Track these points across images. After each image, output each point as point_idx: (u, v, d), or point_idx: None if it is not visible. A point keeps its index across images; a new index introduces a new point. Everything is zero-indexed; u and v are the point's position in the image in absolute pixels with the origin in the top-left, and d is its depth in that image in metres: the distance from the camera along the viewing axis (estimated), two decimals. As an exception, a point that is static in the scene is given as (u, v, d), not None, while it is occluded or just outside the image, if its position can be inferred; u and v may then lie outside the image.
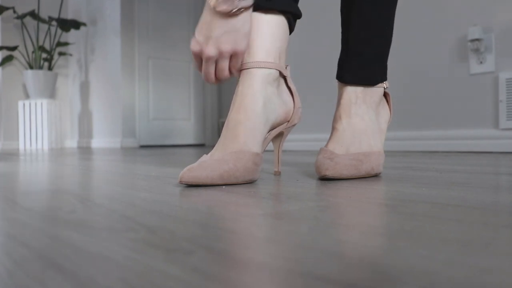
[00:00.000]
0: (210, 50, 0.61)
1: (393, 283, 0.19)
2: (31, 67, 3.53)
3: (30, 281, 0.21)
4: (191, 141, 3.94)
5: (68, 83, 4.17)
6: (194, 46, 0.63)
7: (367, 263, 0.23)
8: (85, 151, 2.58)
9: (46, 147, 3.54)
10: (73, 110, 4.14)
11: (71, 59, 4.14)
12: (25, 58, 3.57)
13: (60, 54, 3.69)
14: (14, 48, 3.47)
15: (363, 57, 0.72)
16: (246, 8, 0.61)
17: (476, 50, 1.61)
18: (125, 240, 0.29)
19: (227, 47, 0.62)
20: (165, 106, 3.77)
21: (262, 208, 0.41)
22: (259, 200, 0.46)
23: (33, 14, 3.50)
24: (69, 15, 4.10)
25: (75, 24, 3.61)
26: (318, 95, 2.21)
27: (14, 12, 3.50)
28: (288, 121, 0.70)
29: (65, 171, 0.94)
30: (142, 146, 3.59)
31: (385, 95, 0.77)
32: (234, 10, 0.60)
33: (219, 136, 4.03)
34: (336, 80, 0.75)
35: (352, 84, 0.72)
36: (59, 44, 3.62)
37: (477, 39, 1.59)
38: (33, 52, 3.56)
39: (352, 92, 0.72)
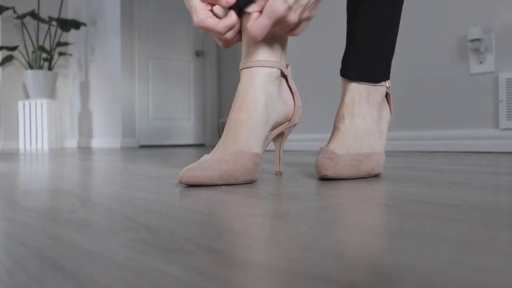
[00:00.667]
0: (295, 16, 0.61)
1: (393, 283, 0.19)
2: (31, 67, 3.53)
3: (30, 281, 0.21)
4: (191, 141, 3.95)
5: (68, 83, 4.17)
6: (284, 10, 0.60)
7: (367, 263, 0.23)
8: (85, 151, 2.58)
9: (46, 147, 3.54)
10: (73, 110, 4.14)
11: (71, 59, 4.14)
12: (25, 58, 3.57)
13: (60, 54, 3.69)
14: (14, 48, 3.47)
15: (368, 54, 0.72)
16: None
17: (476, 50, 1.61)
18: (125, 240, 0.29)
19: (307, 14, 0.62)
20: (165, 106, 3.77)
21: (262, 208, 0.41)
22: (259, 200, 0.46)
23: (33, 14, 3.51)
24: (69, 15, 4.10)
25: (75, 24, 3.61)
26: (318, 95, 2.21)
27: (14, 12, 3.50)
28: (289, 121, 0.70)
29: (65, 171, 0.94)
30: (142, 146, 3.59)
31: (386, 95, 0.77)
32: None
33: (219, 136, 4.03)
34: (340, 78, 0.75)
35: (357, 80, 0.72)
36: (59, 44, 3.62)
37: (477, 39, 1.59)
38: (33, 52, 3.56)
39: (356, 90, 0.72)
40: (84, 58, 3.96)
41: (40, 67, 3.54)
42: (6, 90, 3.70)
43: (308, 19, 0.63)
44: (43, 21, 3.59)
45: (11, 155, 2.01)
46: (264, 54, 0.66)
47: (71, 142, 4.16)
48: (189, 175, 0.57)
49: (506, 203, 0.41)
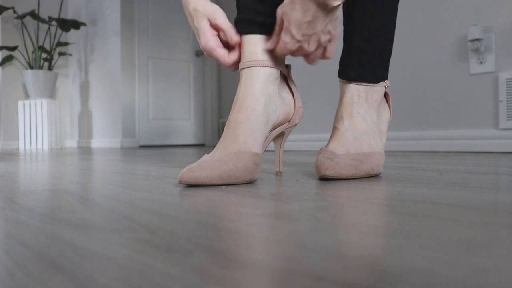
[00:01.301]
0: (312, 46, 0.63)
1: (393, 283, 0.19)
2: (31, 67, 3.53)
3: (30, 281, 0.21)
4: (191, 141, 3.95)
5: (68, 83, 4.17)
6: (293, 45, 0.62)
7: (367, 263, 0.23)
8: (85, 151, 2.58)
9: (46, 147, 3.54)
10: (73, 110, 4.14)
11: (71, 59, 4.14)
12: (25, 58, 3.57)
13: (60, 54, 3.69)
14: (14, 48, 3.47)
15: (366, 55, 0.72)
16: None
17: (476, 50, 1.61)
18: (125, 240, 0.29)
19: (326, 37, 0.63)
20: (165, 106, 3.77)
21: (262, 208, 0.41)
22: (259, 200, 0.46)
23: (33, 14, 3.51)
24: (69, 15, 4.10)
25: (75, 24, 3.61)
26: (318, 95, 2.21)
27: (14, 12, 3.50)
28: (289, 121, 0.70)
29: (65, 171, 0.94)
30: (142, 146, 3.59)
31: (385, 95, 0.77)
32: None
33: (219, 136, 4.03)
34: (338, 79, 0.75)
35: (355, 81, 0.72)
36: (59, 44, 3.62)
37: (477, 39, 1.59)
38: (33, 52, 3.56)
39: (355, 91, 0.72)
40: (84, 58, 3.96)
41: (40, 67, 3.54)
42: (6, 90, 3.70)
43: (331, 40, 0.65)
44: (43, 21, 3.59)
45: (11, 155, 2.01)
46: (263, 54, 0.66)
47: (71, 142, 4.16)
48: (189, 175, 0.57)
49: (506, 203, 0.41)
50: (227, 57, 0.68)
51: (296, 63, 2.31)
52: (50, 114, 3.55)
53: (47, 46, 3.79)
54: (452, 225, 0.31)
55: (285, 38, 0.62)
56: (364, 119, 0.71)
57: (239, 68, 0.67)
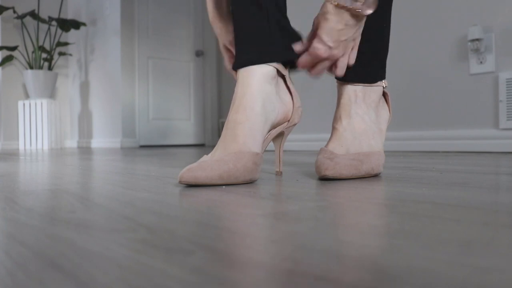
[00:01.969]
0: (340, 52, 0.65)
1: (393, 283, 0.19)
2: (31, 67, 3.53)
3: (30, 281, 0.21)
4: (191, 141, 3.95)
5: (68, 83, 4.17)
6: (325, 52, 0.64)
7: (367, 263, 0.23)
8: (85, 151, 2.58)
9: (46, 147, 3.54)
10: (73, 110, 4.14)
11: (71, 59, 4.14)
12: (25, 58, 3.57)
13: (60, 54, 3.69)
14: (14, 48, 3.47)
15: (362, 55, 0.73)
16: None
17: (476, 50, 1.61)
18: (125, 240, 0.29)
19: (351, 44, 0.66)
20: (165, 106, 3.77)
21: (262, 208, 0.41)
22: (259, 200, 0.46)
23: (33, 14, 3.51)
24: (69, 15, 4.10)
25: (75, 24, 3.61)
26: (318, 95, 2.21)
27: (14, 12, 3.50)
28: (288, 121, 0.70)
29: (65, 171, 0.94)
30: (142, 146, 3.59)
31: (384, 94, 0.77)
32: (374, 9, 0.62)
33: (219, 136, 4.03)
34: (336, 80, 0.75)
35: (352, 82, 0.72)
36: (59, 44, 3.62)
37: (477, 39, 1.59)
38: (33, 52, 3.56)
39: (352, 91, 0.72)
40: (84, 58, 3.96)
41: (40, 67, 3.54)
42: (6, 90, 3.70)
43: (353, 48, 0.68)
44: (43, 21, 3.59)
45: (11, 155, 2.01)
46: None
47: (71, 142, 4.16)
48: (189, 175, 0.57)
49: (506, 203, 0.41)
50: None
51: (296, 63, 2.31)
52: (50, 114, 3.55)
53: (47, 46, 3.79)
54: (452, 225, 0.31)
55: (317, 45, 0.64)
56: (363, 119, 0.71)
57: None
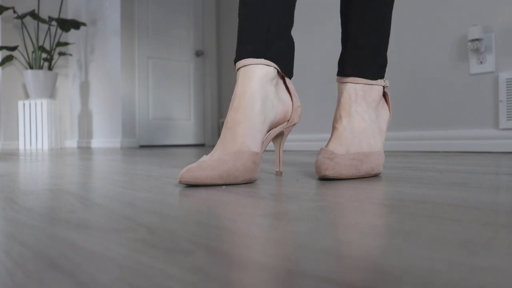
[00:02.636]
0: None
1: (393, 283, 0.19)
2: (31, 67, 3.53)
3: (30, 281, 0.21)
4: (191, 141, 3.94)
5: (68, 83, 4.17)
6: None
7: (367, 263, 0.23)
8: (85, 151, 2.58)
9: (46, 147, 3.54)
10: (73, 110, 4.14)
11: (71, 59, 4.14)
12: (25, 58, 3.57)
13: (60, 54, 3.69)
14: (14, 48, 3.47)
15: (362, 50, 0.73)
16: None
17: (476, 50, 1.61)
18: (125, 240, 0.29)
19: None
20: (165, 106, 3.77)
21: (262, 208, 0.41)
22: (259, 200, 0.46)
23: (33, 14, 3.51)
24: (69, 15, 4.10)
25: (75, 24, 3.61)
26: (318, 95, 2.21)
27: (14, 12, 3.50)
28: (288, 121, 0.70)
29: (65, 171, 0.94)
30: (142, 146, 3.59)
31: (384, 94, 0.77)
32: None
33: (219, 136, 4.03)
34: (336, 81, 0.76)
35: (352, 76, 0.73)
36: (59, 44, 3.62)
37: (477, 39, 1.59)
38: (33, 52, 3.56)
39: (352, 90, 0.72)
40: (84, 58, 3.96)
41: (40, 67, 3.54)
42: (6, 90, 3.70)
43: None
44: (43, 21, 3.59)
45: (11, 155, 2.01)
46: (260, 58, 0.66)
47: (71, 142, 4.16)
48: (189, 175, 0.57)
49: (506, 203, 0.41)
50: None
51: (296, 63, 2.31)
52: (50, 114, 3.55)
53: (47, 46, 3.79)
54: (452, 225, 0.31)
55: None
56: (363, 118, 0.71)
57: (236, 68, 0.67)
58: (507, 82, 1.54)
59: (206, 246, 0.27)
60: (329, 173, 0.63)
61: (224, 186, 0.58)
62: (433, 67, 1.76)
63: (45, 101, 3.51)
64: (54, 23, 3.76)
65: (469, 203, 0.41)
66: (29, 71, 3.46)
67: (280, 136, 0.72)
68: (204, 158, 0.62)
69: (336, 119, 0.72)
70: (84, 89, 3.96)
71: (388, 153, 1.57)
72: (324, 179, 0.65)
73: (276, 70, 0.67)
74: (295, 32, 2.30)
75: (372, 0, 0.73)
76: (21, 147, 3.59)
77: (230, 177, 0.59)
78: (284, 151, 2.12)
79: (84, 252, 0.26)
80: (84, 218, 0.37)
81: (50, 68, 3.61)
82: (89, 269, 0.22)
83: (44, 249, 0.27)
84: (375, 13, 0.74)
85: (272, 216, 0.36)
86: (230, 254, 0.25)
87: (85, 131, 3.97)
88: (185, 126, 3.91)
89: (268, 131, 0.68)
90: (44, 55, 3.82)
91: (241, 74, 0.66)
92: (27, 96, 3.78)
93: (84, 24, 3.69)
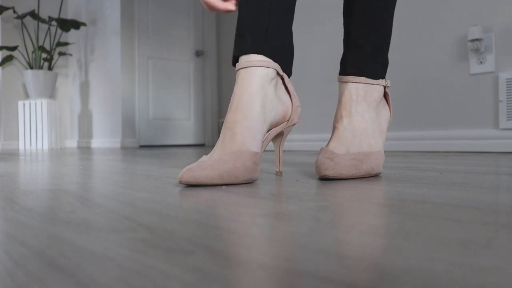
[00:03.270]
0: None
1: (393, 283, 0.19)
2: (31, 67, 3.53)
3: (30, 281, 0.21)
4: (191, 141, 3.94)
5: (68, 83, 4.17)
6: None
7: (367, 263, 0.23)
8: (85, 151, 2.58)
9: (46, 147, 3.54)
10: (73, 110, 4.14)
11: (71, 59, 4.14)
12: (25, 58, 3.57)
13: (60, 54, 3.69)
14: (14, 48, 3.47)
15: (363, 50, 0.74)
16: None
17: (476, 50, 1.61)
18: (125, 240, 0.29)
19: None
20: (165, 106, 3.77)
21: (262, 208, 0.41)
22: (259, 200, 0.46)
23: (33, 14, 3.51)
24: (69, 15, 4.10)
25: (75, 24, 3.61)
26: (318, 95, 2.21)
27: (14, 12, 3.50)
28: (287, 121, 0.71)
29: (65, 171, 0.94)
30: (142, 146, 3.59)
31: (385, 95, 0.77)
32: None
33: (219, 136, 4.02)
34: (338, 81, 0.76)
35: (353, 75, 0.73)
36: (59, 44, 3.62)
37: (477, 39, 1.59)
38: (33, 52, 3.56)
39: (354, 89, 0.72)
40: (84, 58, 3.96)
41: (40, 67, 3.54)
42: (6, 90, 3.70)
43: None
44: (43, 21, 3.59)
45: (11, 155, 2.01)
46: (260, 55, 0.66)
47: (71, 142, 4.16)
48: (189, 175, 0.57)
49: (506, 203, 0.41)
50: (221, 4, 0.70)
51: (296, 64, 2.31)
52: (50, 114, 3.55)
53: (47, 46, 3.79)
54: (452, 225, 0.31)
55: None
56: (363, 118, 0.71)
57: (236, 69, 0.67)
58: (507, 82, 1.54)
59: (206, 246, 0.27)
60: (329, 173, 0.63)
61: (224, 186, 0.58)
62: (433, 67, 1.76)
63: (45, 101, 3.51)
64: (54, 23, 3.76)
65: (469, 203, 0.41)
66: (29, 71, 3.46)
67: (280, 136, 0.72)
68: (204, 158, 0.62)
69: (337, 119, 0.73)
70: (84, 89, 3.96)
71: (388, 153, 1.57)
72: (324, 179, 0.65)
73: (275, 71, 0.67)
74: (295, 32, 2.30)
75: (373, 0, 0.74)
76: (21, 147, 3.59)
77: (230, 177, 0.59)
78: (284, 151, 2.12)
79: (84, 252, 0.26)
80: (84, 218, 0.37)
81: (50, 68, 3.61)
82: (89, 269, 0.22)
83: (44, 249, 0.27)
84: (375, 13, 0.74)
85: (272, 216, 0.36)
86: (230, 254, 0.25)
87: (85, 131, 3.97)
88: (185, 126, 3.91)
89: (268, 131, 0.68)
90: (44, 55, 3.82)
91: (240, 75, 0.66)
92: (27, 96, 3.78)
93: (84, 24, 3.69)
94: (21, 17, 3.46)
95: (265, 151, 1.32)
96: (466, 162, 1.03)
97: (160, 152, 2.17)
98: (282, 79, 0.70)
